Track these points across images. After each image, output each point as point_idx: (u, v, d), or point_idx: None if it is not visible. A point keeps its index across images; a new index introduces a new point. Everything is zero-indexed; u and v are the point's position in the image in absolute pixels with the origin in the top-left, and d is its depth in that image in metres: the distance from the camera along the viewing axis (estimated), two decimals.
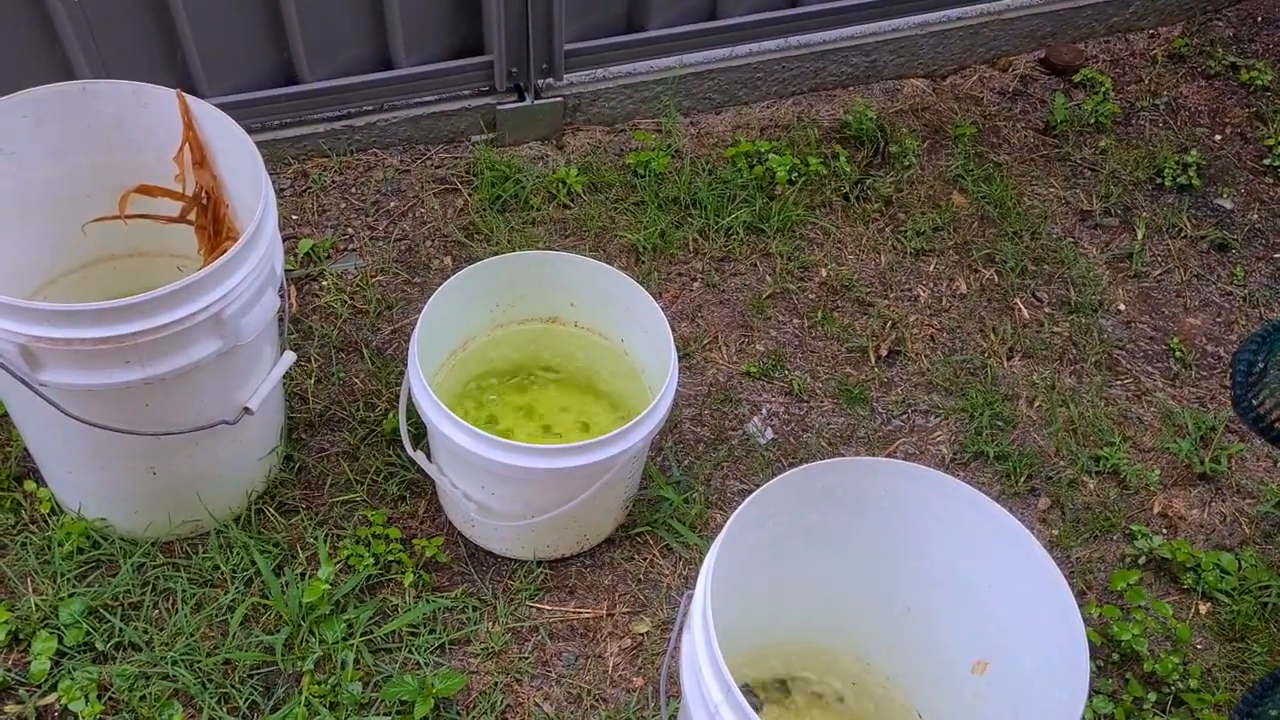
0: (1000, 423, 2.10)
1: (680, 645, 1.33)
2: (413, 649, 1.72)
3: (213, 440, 1.64)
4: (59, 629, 1.65)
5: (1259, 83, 2.74)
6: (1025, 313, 2.31)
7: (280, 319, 1.68)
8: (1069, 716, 1.21)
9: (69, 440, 1.56)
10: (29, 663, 1.63)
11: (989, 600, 1.44)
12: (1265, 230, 2.48)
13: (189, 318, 1.42)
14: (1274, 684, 1.19)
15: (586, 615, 1.81)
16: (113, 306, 1.36)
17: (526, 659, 1.75)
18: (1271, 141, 2.61)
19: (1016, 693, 1.42)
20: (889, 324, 2.23)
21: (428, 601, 1.76)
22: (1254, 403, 1.00)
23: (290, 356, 1.72)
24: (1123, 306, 2.33)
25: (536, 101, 2.37)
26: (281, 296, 1.60)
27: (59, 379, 1.42)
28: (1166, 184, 2.53)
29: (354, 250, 2.22)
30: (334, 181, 2.31)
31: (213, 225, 1.74)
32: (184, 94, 1.59)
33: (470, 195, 2.32)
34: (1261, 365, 1.00)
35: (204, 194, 1.70)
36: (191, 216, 1.74)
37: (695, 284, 2.27)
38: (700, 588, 1.25)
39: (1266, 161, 2.60)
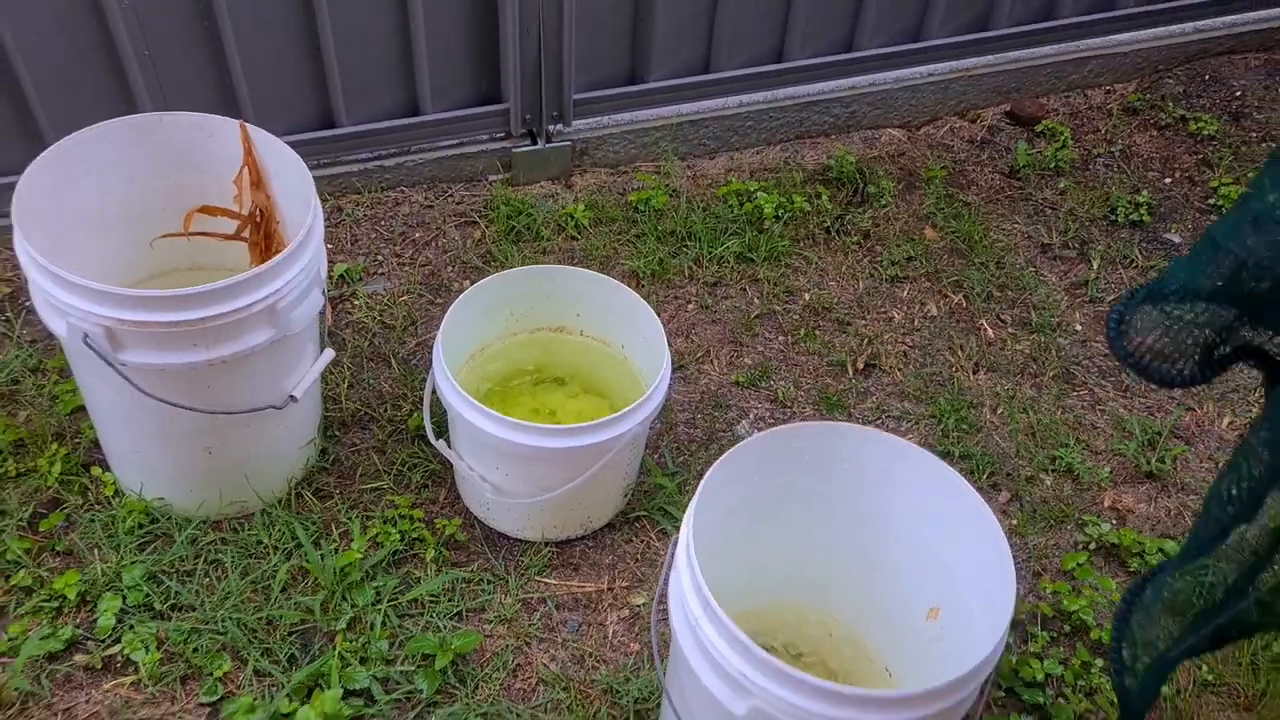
0: (965, 426, 2.32)
1: (669, 584, 1.54)
2: (433, 614, 1.93)
3: (262, 424, 1.87)
4: (122, 591, 1.87)
5: (1206, 132, 3.01)
6: (990, 332, 2.54)
7: (322, 317, 1.93)
8: (994, 633, 1.41)
9: (139, 419, 1.79)
10: (95, 620, 1.84)
11: (943, 553, 1.64)
12: None
13: (249, 307, 1.66)
14: (1143, 583, 1.40)
15: (589, 589, 2.02)
16: (187, 294, 1.61)
17: (535, 625, 1.95)
18: (1216, 184, 2.87)
19: (966, 634, 1.61)
20: (866, 341, 2.47)
21: (447, 573, 1.98)
22: (1125, 345, 1.22)
23: (330, 353, 1.96)
24: (1079, 327, 2.56)
25: (548, 145, 2.64)
26: (324, 296, 1.85)
27: (137, 359, 1.66)
28: (1119, 220, 2.78)
29: (383, 274, 2.47)
30: (366, 215, 2.57)
31: (264, 241, 1.99)
32: (245, 124, 1.85)
33: (487, 227, 2.58)
34: (1129, 316, 1.23)
35: (258, 212, 1.95)
36: (246, 233, 2.00)
37: (690, 305, 2.51)
38: (685, 524, 1.47)
39: (1211, 202, 2.85)
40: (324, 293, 1.84)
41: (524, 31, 2.42)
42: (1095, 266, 2.68)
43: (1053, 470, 2.27)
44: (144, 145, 1.87)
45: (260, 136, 1.86)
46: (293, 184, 1.86)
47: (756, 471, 1.63)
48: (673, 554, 1.53)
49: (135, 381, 1.68)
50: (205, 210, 1.98)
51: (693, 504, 1.48)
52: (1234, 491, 1.19)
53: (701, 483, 1.50)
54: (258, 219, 1.97)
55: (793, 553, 1.77)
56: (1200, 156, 2.98)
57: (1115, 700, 1.91)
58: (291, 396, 1.87)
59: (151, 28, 2.19)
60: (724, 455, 1.53)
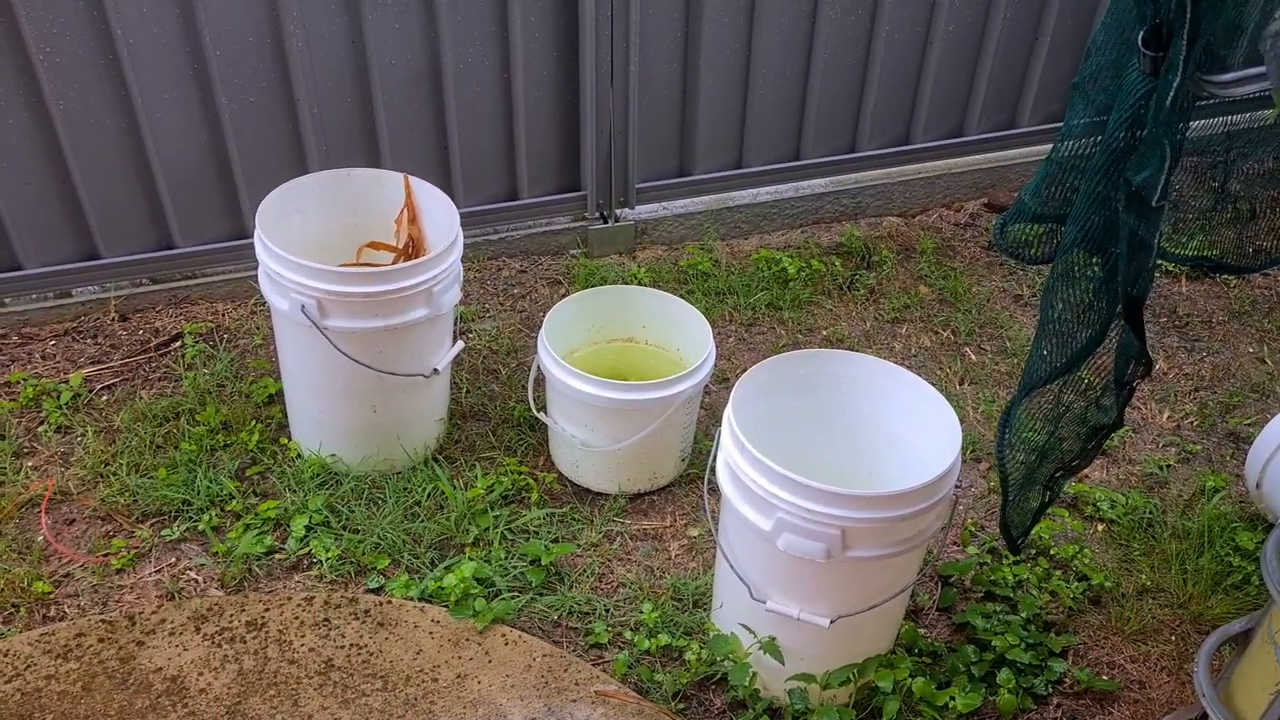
0: None
1: (717, 461, 2.13)
2: (537, 537, 2.52)
3: (413, 389, 2.52)
4: (308, 513, 2.49)
5: None
6: (973, 357, 3.16)
7: (456, 315, 2.61)
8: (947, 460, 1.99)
9: (327, 378, 2.45)
10: (289, 535, 2.46)
11: (919, 450, 2.22)
12: (1150, 304, 3.34)
13: (414, 286, 2.34)
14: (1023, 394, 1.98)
15: (656, 526, 2.61)
16: (375, 272, 2.31)
17: (614, 550, 2.53)
18: None
19: None
20: None
21: (546, 509, 2.58)
22: (1003, 241, 1.87)
23: (461, 344, 2.63)
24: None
25: (616, 225, 3.37)
26: (460, 294, 2.53)
27: (336, 324, 2.34)
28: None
29: (490, 317, 3.17)
30: (476, 277, 3.29)
31: None
32: (408, 176, 2.60)
33: (569, 285, 3.29)
34: (1006, 225, 1.89)
35: (410, 244, 2.67)
36: (400, 262, 2.71)
37: (730, 339, 3.17)
38: (727, 407, 2.07)
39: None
40: (460, 290, 2.53)
41: (599, 134, 3.20)
42: None
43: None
44: (335, 192, 2.60)
45: (418, 184, 2.60)
46: (439, 218, 2.58)
47: (773, 391, 2.23)
48: (718, 440, 2.14)
49: (335, 343, 2.35)
50: (372, 245, 2.70)
51: (733, 391, 2.10)
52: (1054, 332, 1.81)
53: (737, 384, 2.12)
54: (409, 250, 2.68)
55: (805, 464, 2.35)
56: None
57: (1056, 590, 2.45)
58: (435, 370, 2.53)
59: (330, 130, 2.99)
60: (752, 368, 2.16)
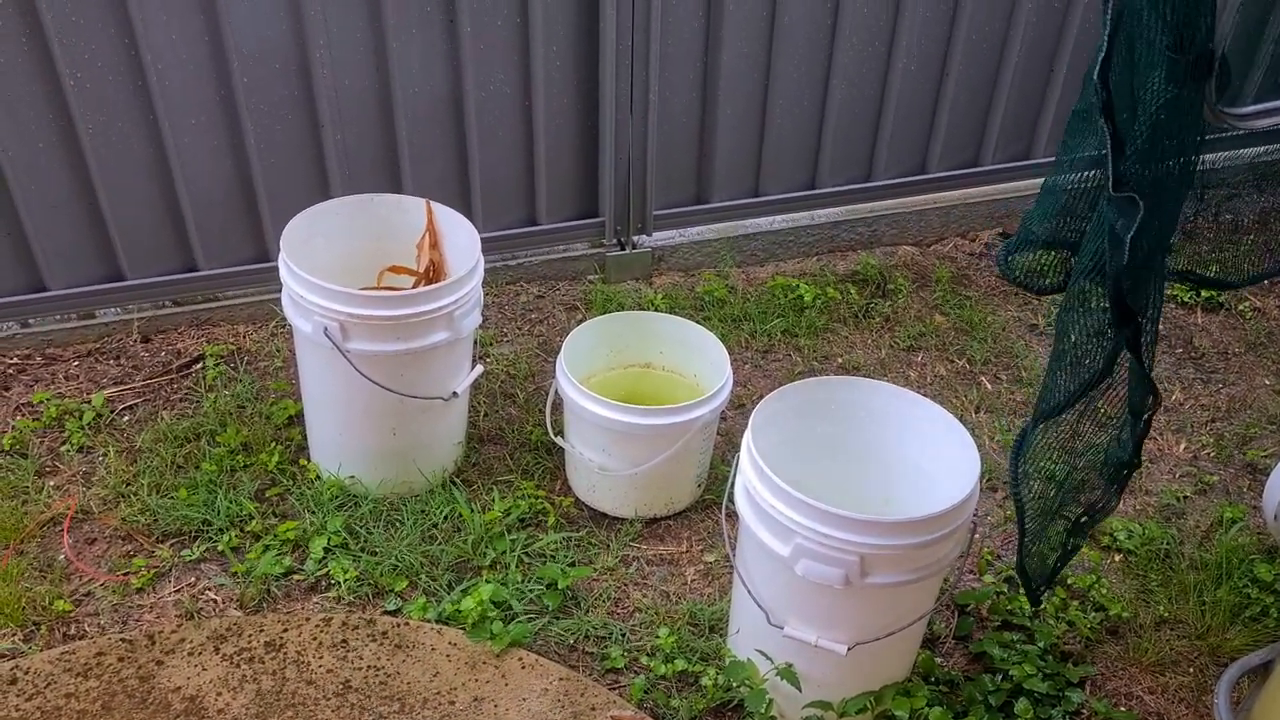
0: None
1: (735, 488, 2.14)
2: (554, 561, 2.53)
3: (433, 413, 2.54)
4: (327, 534, 2.50)
5: None
6: (989, 386, 3.17)
7: (475, 339, 2.62)
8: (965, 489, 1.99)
9: (348, 400, 2.47)
10: (307, 556, 2.47)
11: (936, 478, 2.23)
12: (1166, 335, 3.35)
13: (435, 309, 2.37)
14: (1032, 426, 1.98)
15: (672, 551, 2.61)
16: (397, 296, 2.33)
17: (630, 574, 2.54)
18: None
19: None
20: None
21: (563, 533, 2.59)
22: (1011, 272, 1.89)
23: (480, 368, 2.65)
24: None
25: (633, 251, 3.40)
26: (481, 319, 2.56)
27: (358, 347, 2.36)
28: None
29: (508, 341, 3.19)
30: (494, 302, 3.32)
31: None
32: (430, 201, 2.63)
33: (586, 311, 3.31)
34: (1011, 254, 1.90)
35: (430, 267, 2.70)
36: (421, 286, 2.73)
37: (746, 366, 3.18)
38: (746, 432, 2.09)
39: (1167, 291, 3.50)
40: (480, 315, 2.55)
41: (618, 161, 3.23)
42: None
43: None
44: (358, 217, 2.63)
45: (440, 209, 2.63)
46: (461, 243, 2.61)
47: (792, 416, 2.24)
48: (736, 463, 2.15)
49: (357, 365, 2.37)
50: (393, 269, 2.73)
51: (752, 416, 2.11)
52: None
53: (756, 409, 2.13)
54: (430, 274, 2.71)
55: (823, 491, 2.35)
56: None
57: (1074, 620, 2.45)
58: (454, 393, 2.55)
59: (353, 155, 3.03)
60: (772, 394, 2.17)
